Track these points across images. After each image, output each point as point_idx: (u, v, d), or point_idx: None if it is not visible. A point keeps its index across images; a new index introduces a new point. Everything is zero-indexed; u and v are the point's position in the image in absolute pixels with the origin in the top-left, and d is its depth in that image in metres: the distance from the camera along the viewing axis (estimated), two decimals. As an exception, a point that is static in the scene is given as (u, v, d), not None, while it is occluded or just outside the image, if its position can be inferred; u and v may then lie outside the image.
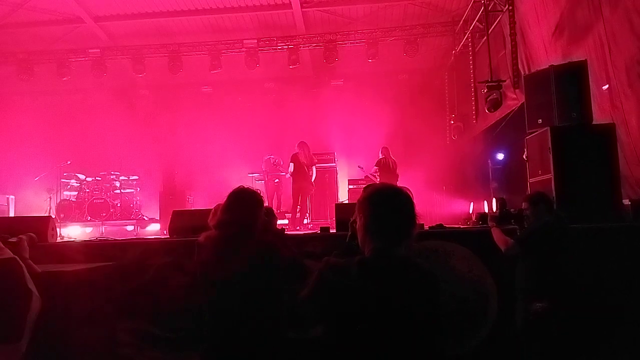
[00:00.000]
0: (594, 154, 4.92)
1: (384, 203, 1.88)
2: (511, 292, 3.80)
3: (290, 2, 10.12)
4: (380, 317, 1.70)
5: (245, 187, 2.88)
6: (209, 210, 3.30)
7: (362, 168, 10.78)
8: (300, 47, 11.22)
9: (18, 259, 2.57)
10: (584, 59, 5.56)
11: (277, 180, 10.96)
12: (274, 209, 10.54)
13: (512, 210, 4.38)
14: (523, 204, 3.93)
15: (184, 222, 5.14)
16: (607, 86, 5.60)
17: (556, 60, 6.25)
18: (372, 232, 1.85)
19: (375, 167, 9.96)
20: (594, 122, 5.31)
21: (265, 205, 2.90)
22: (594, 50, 5.77)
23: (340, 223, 5.03)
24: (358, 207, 1.93)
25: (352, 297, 1.71)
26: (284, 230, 3.26)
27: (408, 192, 1.93)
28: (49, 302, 2.65)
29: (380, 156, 10.01)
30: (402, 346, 1.69)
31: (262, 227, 2.82)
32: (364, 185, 6.12)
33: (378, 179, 9.89)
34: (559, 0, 6.37)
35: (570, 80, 5.31)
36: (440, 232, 4.93)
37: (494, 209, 6.44)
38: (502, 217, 4.12)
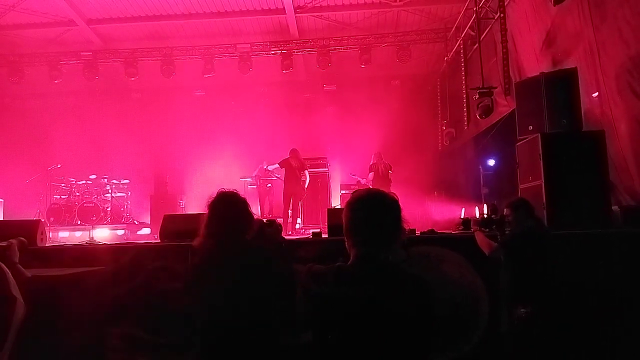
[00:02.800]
0: (583, 160, 4.97)
1: (367, 208, 1.85)
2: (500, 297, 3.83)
3: (284, 7, 10.14)
4: (364, 325, 1.67)
5: (225, 191, 2.77)
6: (201, 214, 3.28)
7: (354, 176, 10.82)
8: (294, 52, 11.24)
9: (1, 264, 2.52)
10: (574, 66, 5.63)
11: (269, 185, 10.96)
12: (266, 213, 10.57)
13: (493, 216, 4.43)
14: (505, 209, 4.00)
15: (175, 227, 5.11)
16: (596, 94, 5.66)
17: (547, 67, 6.31)
18: (355, 238, 1.83)
19: (372, 173, 9.96)
20: (583, 129, 5.37)
21: (257, 215, 2.87)
22: (584, 58, 5.83)
23: (333, 228, 5.04)
24: (344, 213, 1.92)
25: (332, 304, 1.70)
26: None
27: (394, 196, 1.91)
28: (38, 307, 2.61)
29: (372, 161, 10.05)
30: (388, 353, 1.68)
31: (256, 229, 2.79)
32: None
33: (370, 185, 9.93)
34: (550, 9, 6.43)
35: (561, 88, 5.37)
36: (431, 238, 4.96)
37: (485, 214, 6.48)
38: (485, 222, 4.20)
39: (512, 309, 3.58)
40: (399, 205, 1.87)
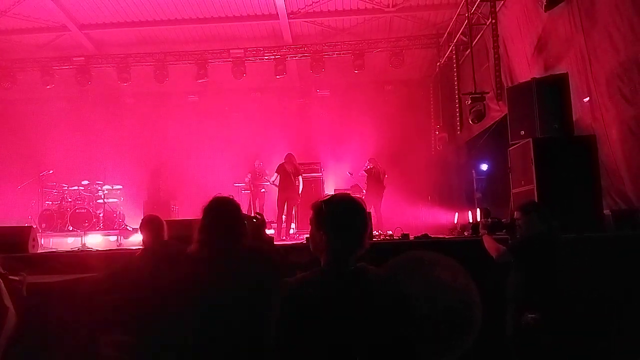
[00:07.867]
0: (575, 165, 5.02)
1: (341, 215, 1.86)
2: (497, 301, 3.78)
3: (277, 13, 10.16)
4: (342, 326, 1.69)
5: (219, 197, 2.80)
6: (195, 220, 3.26)
7: (351, 174, 10.83)
8: (287, 57, 11.26)
9: None
10: (565, 72, 5.69)
11: (263, 190, 10.95)
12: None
13: (503, 220, 4.36)
14: (515, 212, 3.87)
15: (168, 233, 5.07)
16: (587, 98, 5.72)
17: (538, 73, 6.37)
18: (331, 242, 1.83)
19: (363, 172, 10.00)
20: (575, 134, 5.41)
21: (252, 214, 2.86)
22: (575, 63, 5.89)
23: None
24: (317, 217, 1.92)
25: (311, 309, 1.71)
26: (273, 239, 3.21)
27: (361, 202, 1.93)
28: (29, 314, 2.60)
29: (370, 165, 10.07)
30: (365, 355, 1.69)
31: (251, 236, 2.78)
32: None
33: (365, 189, 9.98)
34: (541, 15, 6.50)
35: (552, 93, 5.42)
36: (425, 242, 4.97)
37: (478, 219, 6.50)
38: (494, 225, 4.10)
39: (519, 315, 3.50)
40: (365, 210, 1.90)
